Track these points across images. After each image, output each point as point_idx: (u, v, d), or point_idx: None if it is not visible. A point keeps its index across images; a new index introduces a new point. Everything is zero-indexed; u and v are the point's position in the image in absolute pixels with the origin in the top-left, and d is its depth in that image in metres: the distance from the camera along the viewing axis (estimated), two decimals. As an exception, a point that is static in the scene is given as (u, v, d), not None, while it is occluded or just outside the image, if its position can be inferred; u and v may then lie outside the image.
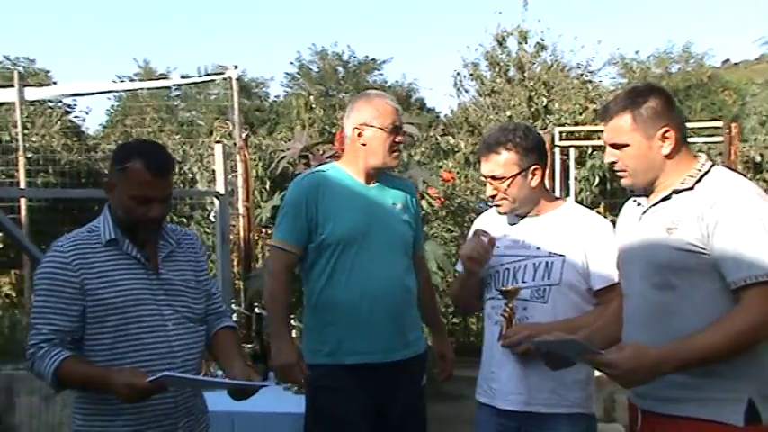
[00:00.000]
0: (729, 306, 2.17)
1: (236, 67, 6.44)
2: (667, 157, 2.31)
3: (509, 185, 2.79)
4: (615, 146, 2.37)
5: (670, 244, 2.24)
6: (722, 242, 2.15)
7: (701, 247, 2.19)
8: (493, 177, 2.82)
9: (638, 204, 2.44)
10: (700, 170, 2.30)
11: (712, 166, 2.33)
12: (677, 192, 2.29)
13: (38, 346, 2.37)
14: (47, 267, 2.43)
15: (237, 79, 6.40)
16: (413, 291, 3.17)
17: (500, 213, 2.89)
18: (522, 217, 2.87)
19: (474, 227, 3.10)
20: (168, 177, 2.46)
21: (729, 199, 2.19)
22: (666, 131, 2.30)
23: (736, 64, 39.90)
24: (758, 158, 9.29)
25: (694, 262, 2.20)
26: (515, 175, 2.78)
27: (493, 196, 2.86)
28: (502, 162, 2.79)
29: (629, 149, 2.33)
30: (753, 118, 15.87)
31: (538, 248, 2.79)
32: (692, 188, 2.27)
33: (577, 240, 2.77)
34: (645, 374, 2.14)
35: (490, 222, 2.98)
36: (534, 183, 2.82)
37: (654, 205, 2.35)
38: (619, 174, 2.41)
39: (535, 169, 2.81)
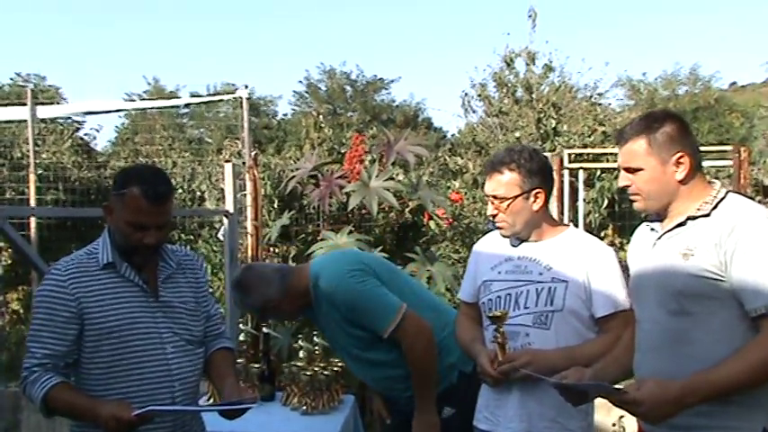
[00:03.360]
0: (746, 333, 2.16)
1: (246, 86, 6.49)
2: (681, 182, 2.31)
3: (509, 206, 2.77)
4: (629, 170, 2.37)
5: (686, 270, 2.23)
6: (741, 269, 2.14)
7: (718, 274, 2.18)
8: (494, 197, 2.80)
9: (652, 230, 2.43)
10: (715, 197, 2.29)
11: (727, 192, 2.32)
12: (693, 218, 2.28)
13: (30, 370, 2.37)
14: (44, 291, 2.44)
15: (248, 98, 6.43)
16: (388, 377, 3.28)
17: (502, 235, 2.87)
18: (524, 241, 2.85)
19: (475, 248, 3.08)
20: (166, 205, 2.45)
21: (747, 226, 2.18)
22: (681, 157, 2.30)
23: (743, 86, 39.96)
24: (767, 182, 9.29)
25: (711, 289, 2.19)
26: (516, 197, 2.76)
27: (494, 216, 2.84)
28: (504, 182, 2.77)
29: (644, 174, 2.33)
30: (761, 141, 15.85)
31: (540, 274, 2.76)
32: (708, 215, 2.26)
33: (580, 267, 2.73)
34: (669, 409, 2.12)
35: (491, 244, 2.96)
36: (536, 206, 2.79)
37: (668, 231, 2.34)
38: (632, 197, 2.41)
39: (537, 192, 2.78)
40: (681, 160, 2.30)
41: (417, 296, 3.31)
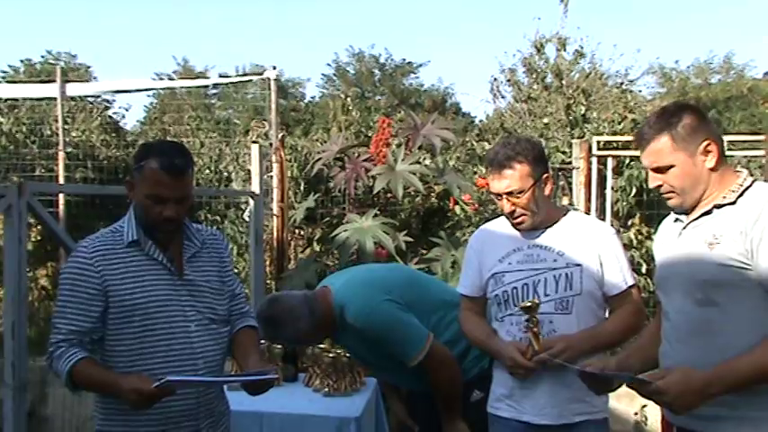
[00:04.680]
0: None
1: (274, 67, 6.47)
2: (712, 169, 2.27)
3: (528, 197, 2.76)
4: (659, 169, 2.32)
5: (712, 259, 2.20)
6: (767, 257, 2.11)
7: (744, 263, 2.15)
8: (509, 193, 2.77)
9: (677, 220, 2.40)
10: (741, 185, 2.26)
11: (754, 181, 2.29)
12: (718, 206, 2.26)
13: (57, 345, 2.41)
14: (70, 268, 2.47)
15: (276, 80, 6.43)
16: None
17: (521, 230, 2.84)
18: (531, 230, 2.84)
19: (472, 242, 3.07)
20: (183, 178, 2.45)
21: None
22: (708, 144, 2.27)
23: (777, 76, 39.14)
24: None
25: (737, 277, 2.16)
26: (532, 187, 2.76)
27: (511, 213, 2.80)
28: (518, 176, 2.75)
29: (675, 170, 2.29)
30: (794, 131, 15.58)
31: (554, 260, 2.78)
32: (733, 203, 2.24)
33: (591, 248, 2.78)
34: (694, 398, 2.11)
35: (491, 236, 2.95)
36: (547, 191, 2.83)
37: (694, 220, 2.31)
38: (666, 196, 2.35)
39: (546, 177, 2.82)
40: (708, 148, 2.27)
41: (442, 298, 3.31)
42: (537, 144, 2.91)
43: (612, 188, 6.20)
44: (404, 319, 3.11)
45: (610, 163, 6.08)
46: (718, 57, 26.45)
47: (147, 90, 11.63)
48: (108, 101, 11.91)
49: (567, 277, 2.74)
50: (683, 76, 23.75)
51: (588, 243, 2.78)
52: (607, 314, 2.89)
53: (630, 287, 2.79)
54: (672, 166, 2.29)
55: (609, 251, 2.79)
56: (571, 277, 2.74)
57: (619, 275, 2.78)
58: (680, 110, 2.32)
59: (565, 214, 2.91)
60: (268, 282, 5.94)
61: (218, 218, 8.10)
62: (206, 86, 16.47)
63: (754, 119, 22.62)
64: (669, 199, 2.35)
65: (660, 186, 2.34)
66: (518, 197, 2.76)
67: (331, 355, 4.00)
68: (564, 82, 10.61)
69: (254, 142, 6.27)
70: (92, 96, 10.15)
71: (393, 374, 3.41)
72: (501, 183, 2.79)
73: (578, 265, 2.75)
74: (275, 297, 3.32)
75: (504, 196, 2.79)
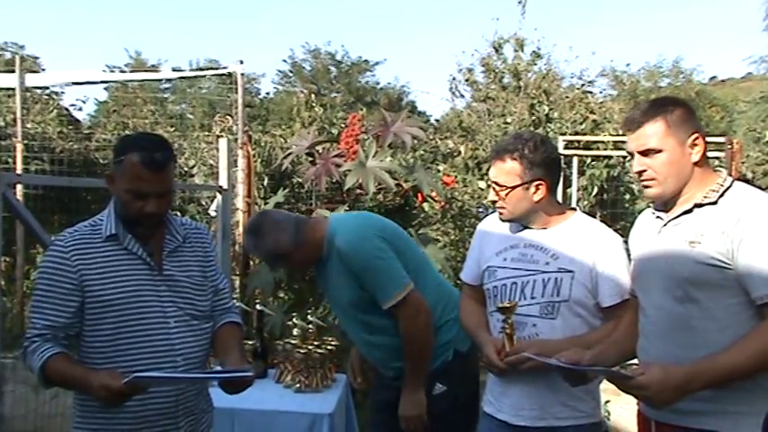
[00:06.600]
0: (751, 320, 2.17)
1: (241, 62, 6.41)
2: (696, 164, 2.31)
3: (507, 194, 2.75)
4: (647, 152, 2.33)
5: (693, 258, 2.23)
6: (748, 257, 2.15)
7: (724, 262, 2.18)
8: (496, 183, 2.78)
9: (657, 217, 2.42)
10: (722, 185, 2.30)
11: (734, 181, 2.33)
12: (699, 206, 2.29)
13: (31, 341, 2.36)
14: (47, 262, 2.42)
15: (242, 75, 6.37)
16: (378, 345, 3.26)
17: (501, 220, 2.85)
18: (526, 227, 2.82)
19: (479, 229, 3.05)
20: (165, 173, 2.40)
21: (755, 215, 2.19)
22: (696, 138, 2.31)
23: (723, 81, 40.24)
24: (750, 175, 9.41)
25: (717, 276, 2.19)
26: (515, 187, 2.73)
27: (495, 201, 2.82)
28: (505, 170, 2.74)
29: (662, 155, 2.31)
30: (740, 135, 16.02)
31: (546, 263, 2.73)
32: (714, 203, 2.27)
33: (587, 255, 2.71)
34: (673, 394, 2.14)
35: (497, 227, 2.93)
36: (536, 197, 2.74)
37: (674, 218, 2.34)
38: (646, 183, 2.36)
39: (539, 184, 2.74)
40: (696, 141, 2.31)
41: (423, 272, 3.27)
42: (545, 149, 2.78)
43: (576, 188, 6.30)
44: (390, 258, 3.09)
45: (575, 162, 6.17)
46: (668, 61, 27.11)
47: (108, 82, 11.43)
48: (57, 93, 11.62)
49: (555, 282, 2.69)
50: (634, 79, 24.20)
51: (586, 250, 2.72)
52: None
53: (626, 301, 2.64)
54: (660, 151, 2.31)
55: (606, 261, 2.70)
56: (560, 283, 2.69)
57: (614, 287, 2.67)
58: (673, 101, 2.37)
59: (570, 216, 2.85)
60: (233, 278, 5.87)
61: (177, 213, 7.97)
62: (165, 80, 16.21)
63: (701, 122, 23.16)
64: (648, 187, 2.36)
65: (643, 172, 2.35)
66: (501, 189, 2.76)
67: (303, 351, 3.96)
68: (522, 82, 10.72)
69: (218, 136, 6.21)
70: (40, 88, 9.89)
71: (362, 330, 3.31)
72: (492, 170, 2.80)
73: (570, 271, 2.69)
74: (265, 210, 3.35)
75: (492, 184, 2.80)
